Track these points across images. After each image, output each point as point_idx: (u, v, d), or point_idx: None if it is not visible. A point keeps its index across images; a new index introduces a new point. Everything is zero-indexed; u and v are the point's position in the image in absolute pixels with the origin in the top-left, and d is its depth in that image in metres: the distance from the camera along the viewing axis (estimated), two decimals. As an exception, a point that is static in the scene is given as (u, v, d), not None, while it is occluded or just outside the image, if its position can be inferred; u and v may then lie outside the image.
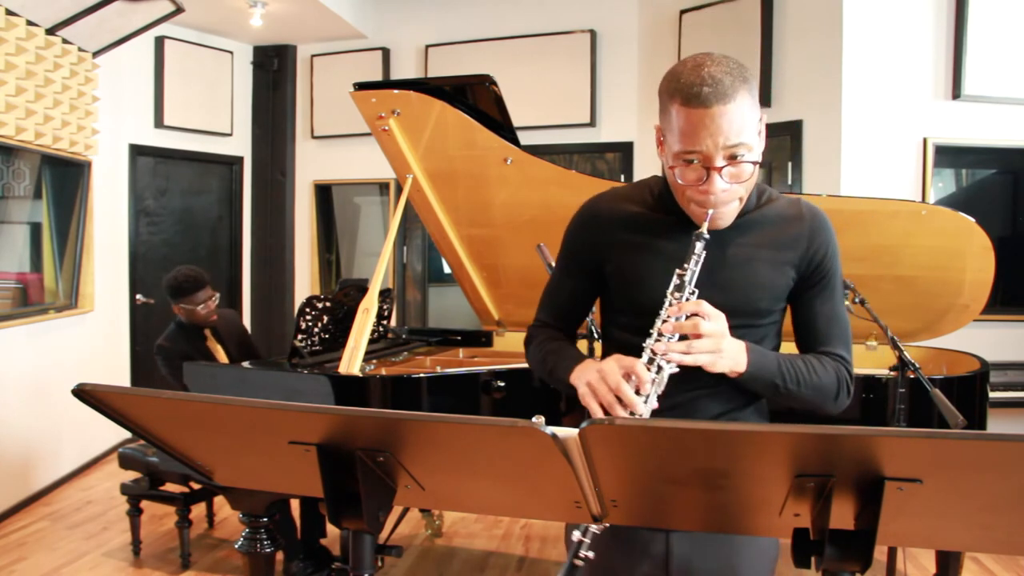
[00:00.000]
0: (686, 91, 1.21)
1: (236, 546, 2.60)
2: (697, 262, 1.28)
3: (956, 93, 4.22)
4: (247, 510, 2.58)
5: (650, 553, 1.39)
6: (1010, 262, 3.76)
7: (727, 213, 1.31)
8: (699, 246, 1.27)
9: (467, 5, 5.85)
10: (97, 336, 4.92)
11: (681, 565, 1.38)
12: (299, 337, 2.96)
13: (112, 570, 3.34)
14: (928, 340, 3.10)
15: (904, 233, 2.78)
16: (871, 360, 3.07)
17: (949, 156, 4.43)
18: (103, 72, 4.66)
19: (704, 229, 1.27)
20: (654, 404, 1.24)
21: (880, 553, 2.92)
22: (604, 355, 1.42)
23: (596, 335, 2.15)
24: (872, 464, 0.85)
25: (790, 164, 4.64)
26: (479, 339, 3.73)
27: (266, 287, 6.38)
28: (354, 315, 2.88)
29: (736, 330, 1.30)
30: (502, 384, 2.67)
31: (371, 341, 3.30)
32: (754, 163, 1.26)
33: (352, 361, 2.73)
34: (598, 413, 1.26)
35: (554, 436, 0.86)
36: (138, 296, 5.43)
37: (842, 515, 0.93)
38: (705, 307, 1.26)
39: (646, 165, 5.50)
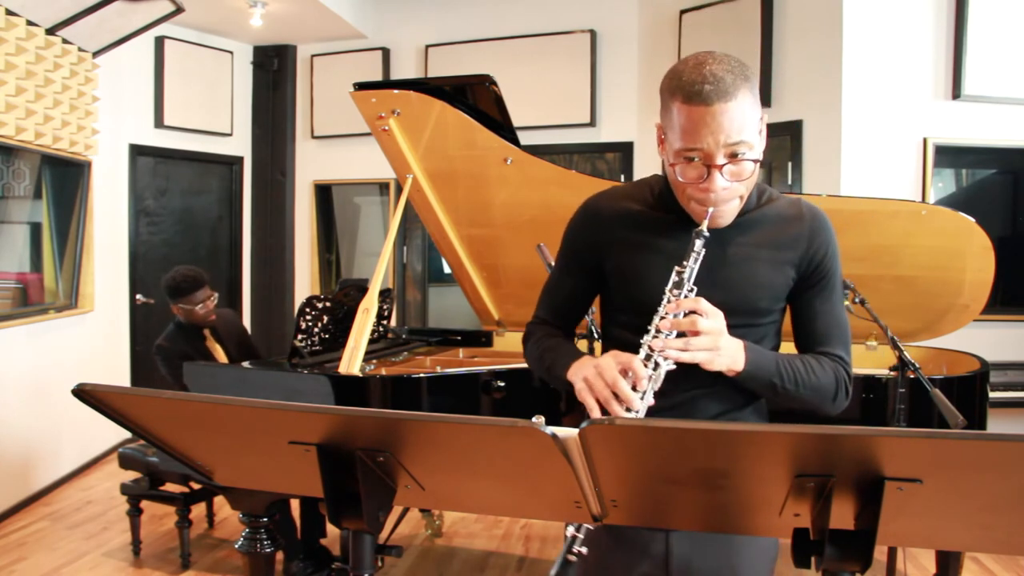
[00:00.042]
0: (687, 89, 1.21)
1: (236, 546, 2.60)
2: (696, 259, 1.28)
3: (956, 93, 4.22)
4: (247, 510, 2.58)
5: (650, 553, 1.39)
6: (1010, 262, 3.76)
7: (727, 211, 1.31)
8: (698, 243, 1.27)
9: (467, 5, 5.85)
10: (97, 336, 4.92)
11: (681, 565, 1.38)
12: (299, 337, 2.96)
13: (112, 570, 3.34)
14: (928, 340, 3.10)
15: (904, 233, 2.78)
16: (871, 360, 3.07)
17: (949, 156, 4.43)
18: (103, 72, 4.66)
19: (704, 227, 1.28)
20: (651, 401, 1.24)
21: (880, 553, 2.92)
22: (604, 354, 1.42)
23: (596, 335, 2.15)
24: (872, 464, 0.85)
25: (790, 164, 4.64)
26: (479, 339, 3.73)
27: (266, 287, 6.38)
28: (354, 315, 2.88)
29: (735, 329, 1.30)
30: (502, 384, 2.67)
31: (371, 341, 3.30)
32: (755, 161, 1.26)
33: (352, 361, 2.73)
34: (594, 408, 1.26)
35: (554, 436, 0.86)
36: (138, 296, 5.43)
37: (842, 515, 0.93)
38: (703, 304, 1.26)
39: (646, 165, 5.49)
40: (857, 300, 2.39)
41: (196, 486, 3.39)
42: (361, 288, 3.19)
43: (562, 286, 1.52)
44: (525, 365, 1.67)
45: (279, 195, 6.33)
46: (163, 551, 3.53)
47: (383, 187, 6.28)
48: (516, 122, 3.00)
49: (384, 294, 3.42)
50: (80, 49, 4.37)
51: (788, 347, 1.39)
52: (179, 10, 4.58)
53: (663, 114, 1.29)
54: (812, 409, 1.37)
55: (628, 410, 1.22)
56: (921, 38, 4.25)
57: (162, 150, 5.66)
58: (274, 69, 6.23)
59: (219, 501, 3.81)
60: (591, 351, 2.20)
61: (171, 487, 3.42)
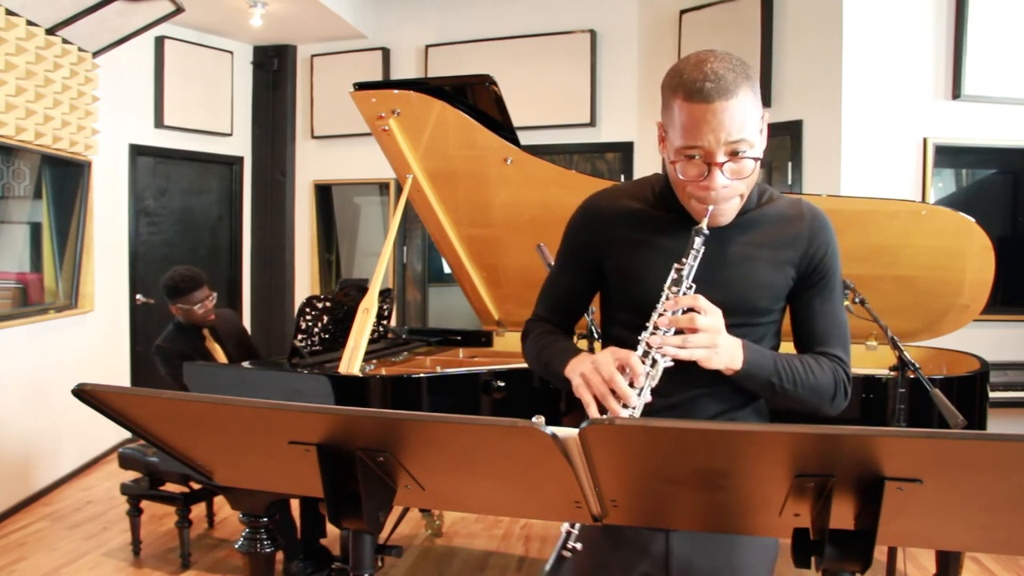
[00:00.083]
0: (689, 86, 1.21)
1: (236, 546, 2.60)
2: (695, 257, 1.28)
3: (956, 93, 4.22)
4: (247, 510, 2.58)
5: (650, 553, 1.38)
6: (1010, 262, 3.75)
7: (728, 210, 1.31)
8: (698, 241, 1.27)
9: (467, 5, 5.85)
10: (97, 336, 4.92)
11: (681, 565, 1.37)
12: (299, 337, 2.96)
13: (112, 570, 3.34)
14: (928, 340, 3.10)
15: (904, 233, 2.78)
16: (871, 360, 3.07)
17: (949, 156, 4.43)
18: (103, 72, 4.66)
19: (704, 224, 1.28)
20: (648, 397, 1.24)
21: (880, 553, 2.92)
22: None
23: (596, 335, 2.15)
24: (872, 464, 0.85)
25: (790, 164, 4.64)
26: (479, 339, 3.73)
27: (266, 287, 6.38)
28: (354, 315, 2.88)
29: (735, 329, 1.29)
30: (502, 384, 2.67)
31: (371, 341, 3.30)
32: (755, 159, 1.26)
33: (352, 361, 2.73)
34: (591, 405, 1.26)
35: (554, 436, 0.86)
36: (138, 296, 5.43)
37: (842, 515, 0.93)
38: (702, 302, 1.26)
39: (646, 165, 5.49)
40: (857, 300, 2.39)
41: (196, 486, 3.39)
42: (361, 288, 3.19)
43: (562, 284, 1.52)
44: (525, 365, 1.67)
45: (279, 195, 6.33)
46: (163, 551, 3.53)
47: (383, 187, 6.28)
48: (516, 122, 3.00)
49: (384, 294, 3.42)
50: (80, 49, 4.37)
51: (788, 347, 1.39)
52: (179, 10, 4.59)
53: (664, 112, 1.29)
54: (810, 410, 1.37)
55: (625, 406, 1.22)
56: (921, 38, 4.25)
57: (162, 150, 5.66)
58: (274, 69, 6.23)
59: (219, 501, 3.81)
60: (591, 351, 2.20)
61: (171, 487, 3.41)
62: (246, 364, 3.10)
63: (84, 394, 1.01)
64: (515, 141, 2.95)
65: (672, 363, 1.25)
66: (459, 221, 3.29)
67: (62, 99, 4.19)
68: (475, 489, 1.13)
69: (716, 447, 0.89)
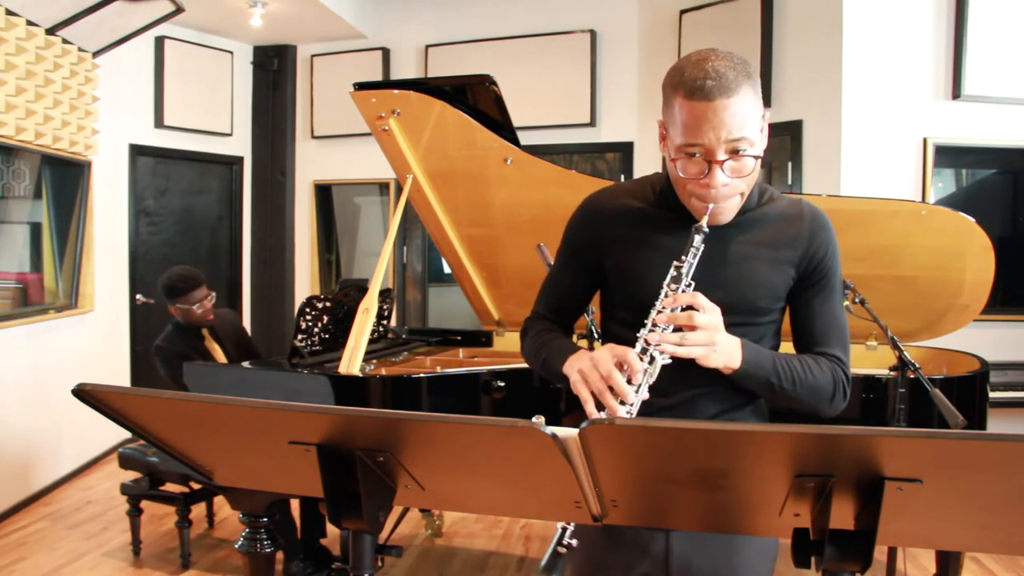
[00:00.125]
0: (690, 84, 1.21)
1: (236, 546, 2.60)
2: (695, 255, 1.28)
3: (956, 93, 4.22)
4: (247, 510, 2.58)
5: (650, 552, 1.38)
6: (1010, 262, 3.76)
7: (728, 208, 1.31)
8: (698, 239, 1.27)
9: (467, 5, 5.85)
10: (97, 336, 4.92)
11: (681, 564, 1.37)
12: (299, 337, 2.96)
13: (112, 570, 3.34)
14: (928, 340, 3.10)
15: (904, 233, 2.78)
16: (871, 360, 3.07)
17: (949, 156, 4.43)
18: (103, 72, 4.66)
19: (704, 222, 1.27)
20: (645, 394, 1.24)
21: (880, 553, 2.92)
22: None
23: (596, 334, 2.15)
24: (872, 464, 0.85)
25: (790, 164, 4.64)
26: (479, 339, 3.73)
27: (266, 287, 6.38)
28: (354, 315, 2.88)
29: (734, 328, 1.29)
30: (502, 384, 2.67)
31: (371, 341, 3.30)
32: (756, 158, 1.26)
33: (352, 361, 2.73)
34: (589, 401, 1.26)
35: (554, 436, 0.86)
36: (138, 296, 5.43)
37: (842, 515, 0.93)
38: (700, 299, 1.25)
39: (646, 165, 5.49)
40: (857, 300, 2.39)
41: (196, 486, 3.39)
42: (361, 288, 3.19)
43: (561, 282, 1.52)
44: (525, 365, 1.67)
45: (279, 195, 6.33)
46: (163, 551, 3.53)
47: (383, 187, 6.28)
48: (516, 122, 3.00)
49: (384, 294, 3.41)
50: (80, 49, 4.37)
51: (788, 347, 1.39)
52: (179, 10, 4.59)
53: (665, 110, 1.29)
54: (809, 410, 1.37)
55: (622, 403, 1.22)
56: (921, 38, 4.25)
57: (162, 150, 5.66)
58: (274, 69, 6.23)
59: (219, 501, 3.81)
60: (591, 350, 2.20)
61: (171, 487, 3.41)
62: (246, 364, 3.10)
63: (84, 394, 1.01)
64: (515, 141, 2.95)
65: (670, 360, 1.25)
66: (459, 221, 3.29)
67: (62, 99, 4.20)
68: (475, 489, 1.13)
69: (716, 447, 0.89)
